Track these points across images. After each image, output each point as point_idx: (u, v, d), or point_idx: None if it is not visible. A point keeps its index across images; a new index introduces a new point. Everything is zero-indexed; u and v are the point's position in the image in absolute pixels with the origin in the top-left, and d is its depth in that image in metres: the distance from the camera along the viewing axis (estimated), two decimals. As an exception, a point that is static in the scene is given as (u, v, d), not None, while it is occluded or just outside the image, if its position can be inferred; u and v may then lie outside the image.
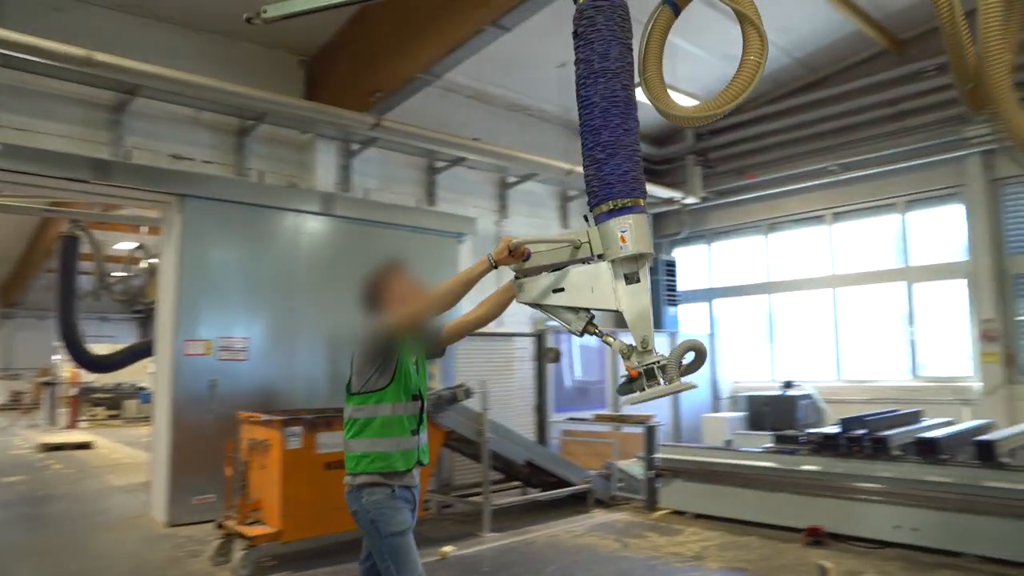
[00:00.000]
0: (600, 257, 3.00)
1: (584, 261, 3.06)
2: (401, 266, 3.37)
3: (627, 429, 8.61)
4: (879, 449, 6.35)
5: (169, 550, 6.20)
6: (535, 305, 3.09)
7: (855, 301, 10.92)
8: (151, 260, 14.47)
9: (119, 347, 15.50)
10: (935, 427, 7.21)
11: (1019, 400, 8.92)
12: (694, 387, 2.78)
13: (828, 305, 11.13)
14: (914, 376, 10.20)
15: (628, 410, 9.67)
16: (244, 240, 7.63)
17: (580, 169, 9.78)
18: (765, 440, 7.72)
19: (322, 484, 5.63)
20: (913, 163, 9.85)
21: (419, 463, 3.13)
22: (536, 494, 7.76)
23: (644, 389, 2.81)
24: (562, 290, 3.02)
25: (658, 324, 11.27)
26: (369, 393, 3.04)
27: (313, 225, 8.14)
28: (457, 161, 9.59)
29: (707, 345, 11.71)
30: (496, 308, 3.24)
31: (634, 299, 2.91)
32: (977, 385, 9.30)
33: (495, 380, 8.05)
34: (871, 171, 10.19)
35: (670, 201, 11.72)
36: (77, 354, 13.81)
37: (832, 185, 10.71)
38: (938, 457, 6.08)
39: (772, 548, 6.13)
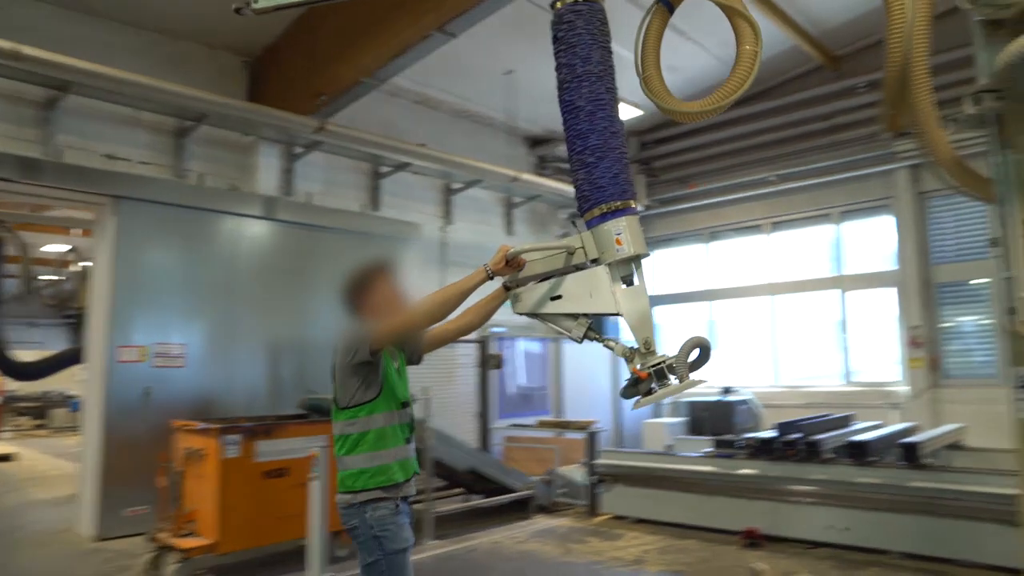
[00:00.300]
0: (595, 262, 2.98)
1: (577, 267, 3.04)
2: (387, 269, 3.23)
3: (569, 435, 8.67)
4: (812, 452, 6.53)
5: (97, 565, 5.97)
6: (533, 315, 3.05)
7: (792, 308, 11.23)
8: (83, 263, 13.96)
9: (47, 353, 14.87)
10: (865, 430, 7.46)
11: (942, 403, 9.29)
12: (704, 382, 2.78)
13: (766, 312, 11.42)
14: (847, 381, 10.53)
15: (570, 415, 9.75)
16: (182, 244, 7.43)
17: (525, 176, 9.84)
18: (704, 445, 7.86)
19: (261, 493, 5.52)
20: (847, 175, 10.20)
21: (415, 472, 3.07)
22: (478, 501, 7.74)
23: (650, 391, 2.80)
24: (559, 297, 2.99)
25: (602, 331, 11.35)
26: (359, 406, 2.94)
27: (254, 229, 7.98)
28: (402, 166, 9.53)
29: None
30: (481, 317, 3.15)
31: (634, 301, 2.90)
32: (904, 389, 9.66)
33: (438, 387, 8.01)
34: (807, 182, 10.50)
35: (614, 209, 11.85)
36: (0, 361, 13.21)
37: (770, 195, 11.00)
38: (867, 459, 6.29)
39: (710, 551, 6.24)
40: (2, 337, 13.03)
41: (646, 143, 12.18)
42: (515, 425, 9.25)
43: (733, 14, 3.42)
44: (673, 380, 2.77)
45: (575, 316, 2.98)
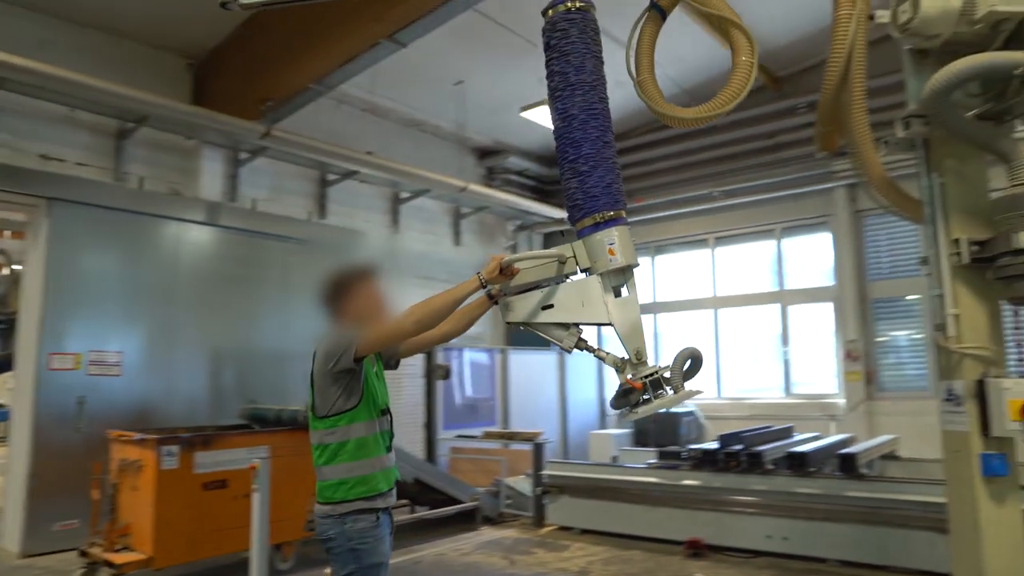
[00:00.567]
0: (587, 271, 2.96)
1: (566, 277, 3.01)
2: (370, 273, 3.11)
3: (515, 446, 8.66)
4: (754, 463, 6.66)
5: (24, 581, 5.73)
6: (523, 324, 3.01)
7: (735, 322, 11.46)
8: (14, 266, 13.42)
9: (-27, 361, 14.23)
10: (804, 442, 7.63)
11: (877, 415, 9.59)
12: (700, 393, 2.78)
13: (710, 325, 11.63)
14: (787, 393, 10.78)
15: (517, 426, 9.74)
16: (120, 248, 7.20)
17: (473, 187, 9.83)
18: (649, 456, 7.95)
19: (200, 506, 5.36)
20: (788, 192, 10.47)
21: (397, 480, 2.99)
22: (424, 512, 7.67)
23: (641, 402, 2.78)
24: (551, 307, 2.95)
25: (547, 342, 11.38)
26: (339, 415, 2.82)
27: (197, 235, 7.79)
28: (349, 174, 9.44)
29: (597, 362, 11.94)
30: (463, 324, 3.08)
31: (625, 311, 2.88)
32: (841, 401, 9.93)
33: (385, 397, 7.91)
34: (750, 199, 10.74)
35: (561, 221, 11.94)
36: (-77, 368, 12.59)
37: (714, 210, 11.22)
38: (806, 470, 6.44)
39: (654, 561, 6.29)
40: (-76, 344, 12.44)
41: (594, 157, 12.29)
42: (461, 436, 9.20)
43: (729, 25, 3.47)
44: (668, 391, 2.78)
45: (567, 326, 2.96)
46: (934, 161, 3.38)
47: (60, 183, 6.99)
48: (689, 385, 2.83)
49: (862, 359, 9.81)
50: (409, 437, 8.54)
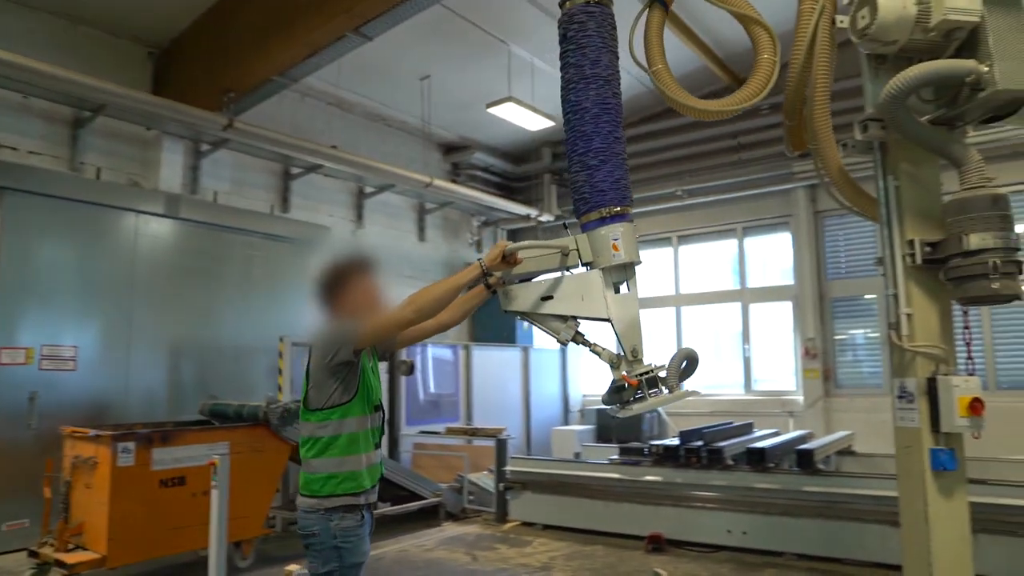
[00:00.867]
0: (588, 265, 2.94)
1: (567, 269, 2.99)
2: (367, 265, 3.02)
3: (478, 442, 8.66)
4: (714, 459, 6.75)
5: (-28, 581, 5.58)
6: (521, 314, 2.97)
7: (697, 320, 11.59)
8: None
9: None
10: (763, 438, 7.76)
11: (834, 411, 9.79)
12: (697, 394, 2.77)
13: (672, 323, 11.74)
14: (748, 390, 10.94)
15: (480, 422, 9.75)
16: (76, 240, 7.03)
17: (438, 182, 9.77)
18: (611, 452, 8.01)
19: (156, 503, 5.27)
20: (749, 192, 10.62)
21: (381, 476, 2.95)
22: (386, 508, 7.62)
23: (634, 399, 2.77)
24: (551, 298, 2.92)
25: (511, 339, 11.45)
26: (332, 408, 2.76)
27: (156, 227, 7.64)
28: (313, 168, 9.34)
29: (561, 359, 11.99)
30: (461, 314, 3.04)
31: (624, 308, 2.88)
32: (800, 398, 10.12)
33: (348, 393, 7.85)
34: (713, 198, 10.87)
35: (526, 218, 11.97)
36: None
37: (678, 209, 11.33)
38: (765, 465, 6.55)
39: (616, 556, 6.35)
40: None
41: (558, 154, 12.36)
42: (424, 432, 9.17)
43: (751, 23, 3.48)
44: (663, 390, 2.78)
45: (565, 318, 2.94)
46: (890, 164, 3.46)
47: (12, 172, 6.79)
48: (685, 385, 2.85)
49: (820, 357, 9.99)
50: (372, 433, 8.48)
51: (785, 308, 10.64)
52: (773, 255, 11.03)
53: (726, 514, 6.38)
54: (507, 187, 12.67)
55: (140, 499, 5.21)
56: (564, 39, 3.16)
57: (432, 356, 9.97)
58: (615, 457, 7.65)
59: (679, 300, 11.69)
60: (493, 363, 11.04)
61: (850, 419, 9.37)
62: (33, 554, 5.28)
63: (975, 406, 3.09)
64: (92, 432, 5.43)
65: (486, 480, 8.10)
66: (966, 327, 3.36)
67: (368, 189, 10.44)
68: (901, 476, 3.37)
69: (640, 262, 2.94)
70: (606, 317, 2.89)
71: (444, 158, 12.01)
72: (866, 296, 9.87)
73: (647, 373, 2.83)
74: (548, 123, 10.01)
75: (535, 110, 9.51)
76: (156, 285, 7.51)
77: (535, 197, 12.33)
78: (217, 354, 7.89)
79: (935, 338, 3.29)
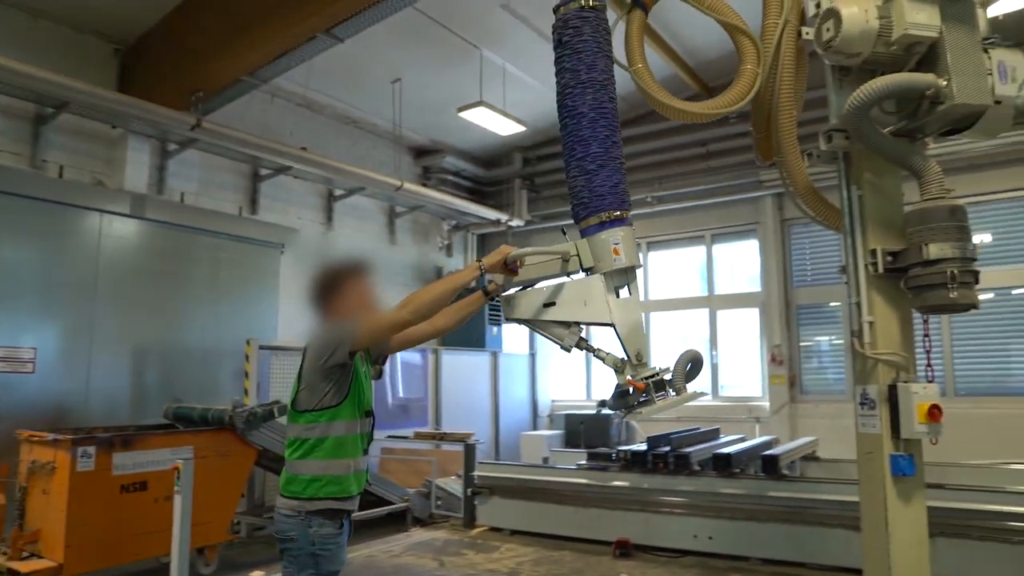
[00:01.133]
0: (589, 270, 2.92)
1: (568, 274, 2.97)
2: (362, 268, 3.00)
3: (447, 447, 8.64)
4: (681, 465, 6.81)
5: (-77, 590, 5.42)
6: (524, 321, 2.95)
7: (665, 326, 11.67)
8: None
9: None
10: (730, 444, 7.85)
11: (799, 417, 9.91)
12: (704, 395, 2.77)
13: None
14: (715, 396, 11.03)
15: (449, 427, 9.71)
16: (36, 240, 6.87)
17: (409, 186, 9.73)
18: (580, 458, 8.03)
19: (117, 509, 5.17)
20: (718, 200, 10.73)
21: (367, 482, 2.90)
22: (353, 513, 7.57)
23: (640, 403, 2.75)
24: (553, 305, 2.90)
25: (481, 343, 11.43)
26: (322, 410, 2.73)
27: (120, 228, 7.51)
28: (282, 170, 9.24)
29: (530, 364, 11.99)
30: (456, 320, 3.01)
31: (627, 312, 2.87)
32: (766, 404, 10.23)
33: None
34: (682, 205, 10.96)
35: (496, 223, 11.97)
36: None
37: (647, 215, 11.40)
38: (731, 471, 6.62)
39: (583, 561, 6.36)
40: None
41: (528, 159, 12.40)
42: (392, 436, 9.12)
43: (736, 32, 3.51)
44: (670, 392, 2.79)
45: (568, 324, 2.93)
46: (853, 174, 3.52)
47: (-29, 170, 6.65)
48: (691, 387, 2.86)
49: (786, 363, 10.12)
50: (339, 438, 8.40)
51: (752, 315, 10.76)
52: (741, 262, 11.15)
53: (693, 519, 6.43)
54: (478, 191, 12.67)
55: (100, 505, 5.11)
56: (559, 44, 3.17)
57: (401, 360, 9.92)
58: (583, 462, 7.67)
59: (648, 306, 11.75)
60: (462, 367, 11.02)
61: (815, 425, 9.50)
62: (-14, 562, 5.15)
63: (933, 413, 3.15)
64: (51, 436, 5.32)
65: (454, 485, 8.07)
66: (926, 335, 3.42)
67: (338, 192, 10.36)
68: (862, 481, 3.42)
69: (640, 265, 2.94)
70: (609, 322, 2.89)
71: (415, 162, 11.98)
72: (831, 304, 10.02)
73: (653, 376, 2.84)
74: (519, 128, 10.03)
75: (507, 115, 9.52)
76: (120, 286, 7.37)
77: (506, 202, 12.34)
78: (182, 357, 7.77)
79: (896, 346, 3.35)
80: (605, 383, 11.69)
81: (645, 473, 6.90)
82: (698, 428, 8.49)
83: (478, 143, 11.78)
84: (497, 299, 3.00)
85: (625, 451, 7.28)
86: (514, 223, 12.07)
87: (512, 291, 3.03)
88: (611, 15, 3.98)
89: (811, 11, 3.46)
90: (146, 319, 7.54)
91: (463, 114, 9.46)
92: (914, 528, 3.28)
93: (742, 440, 8.29)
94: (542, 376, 12.63)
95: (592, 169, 3.01)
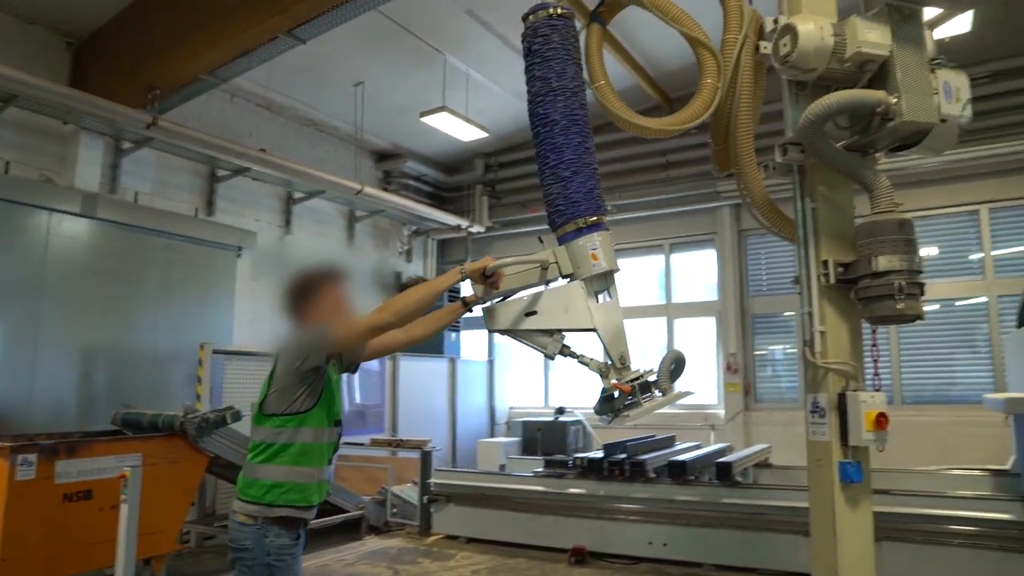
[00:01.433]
0: (568, 277, 2.90)
1: (547, 282, 2.95)
2: (337, 274, 2.97)
3: (403, 454, 8.58)
4: (637, 472, 6.85)
5: None
6: (506, 332, 2.93)
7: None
8: None
9: None
10: (685, 451, 7.93)
11: (753, 425, 10.07)
12: (692, 393, 2.78)
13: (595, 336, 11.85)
14: (672, 404, 11.12)
15: (406, 434, 9.64)
16: (-21, 238, 6.67)
17: (369, 190, 9.68)
18: (537, 465, 8.04)
19: (59, 519, 4.97)
20: (677, 209, 10.87)
21: (328, 493, 2.84)
22: (307, 522, 7.47)
23: (627, 405, 2.74)
24: (535, 313, 2.88)
25: (439, 349, 11.38)
26: (291, 416, 2.66)
27: (70, 227, 7.30)
28: (241, 171, 9.09)
29: (488, 371, 11.98)
30: (433, 330, 2.99)
31: (608, 317, 2.86)
32: (721, 412, 10.37)
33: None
34: (642, 214, 11.07)
35: (457, 228, 11.95)
36: None
37: (607, 224, 11.49)
38: (686, 478, 6.69)
39: (539, 569, 6.36)
40: None
41: (490, 165, 12.41)
42: (348, 443, 9.01)
43: (698, 46, 3.55)
44: (657, 393, 2.79)
45: (550, 332, 2.92)
46: (807, 187, 3.59)
47: (-88, 164, 6.41)
48: (677, 387, 2.89)
49: (741, 371, 10.27)
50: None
51: (709, 323, 10.91)
52: (698, 271, 11.30)
53: (648, 526, 6.48)
54: (439, 197, 12.64)
55: (40, 515, 4.91)
56: (529, 52, 3.18)
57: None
58: (540, 470, 7.68)
59: (607, 314, 11.84)
60: (420, 374, 10.96)
61: (768, 432, 9.66)
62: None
63: (880, 421, 3.23)
64: (-11, 442, 5.13)
65: (410, 492, 8.01)
66: (874, 345, 3.50)
67: (297, 194, 10.24)
68: (812, 488, 3.49)
69: (619, 269, 2.97)
70: (591, 327, 2.90)
71: (376, 166, 11.90)
72: (785, 313, 10.21)
73: (638, 378, 2.86)
74: (481, 134, 10.04)
75: (469, 121, 9.52)
76: (69, 287, 7.16)
77: (467, 208, 12.33)
78: (133, 361, 7.58)
79: (846, 355, 3.42)
80: (563, 390, 11.79)
81: (601, 480, 6.93)
82: (654, 436, 8.56)
83: (440, 148, 11.76)
84: (469, 311, 3.01)
85: (581, 458, 7.31)
86: (475, 229, 12.07)
87: (492, 302, 3.03)
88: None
89: (769, 26, 3.53)
90: (96, 321, 7.35)
91: (425, 119, 9.43)
92: (861, 533, 3.35)
93: (697, 447, 8.39)
94: (500, 383, 12.63)
95: (567, 176, 3.04)
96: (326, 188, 9.85)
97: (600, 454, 7.33)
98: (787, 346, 10.31)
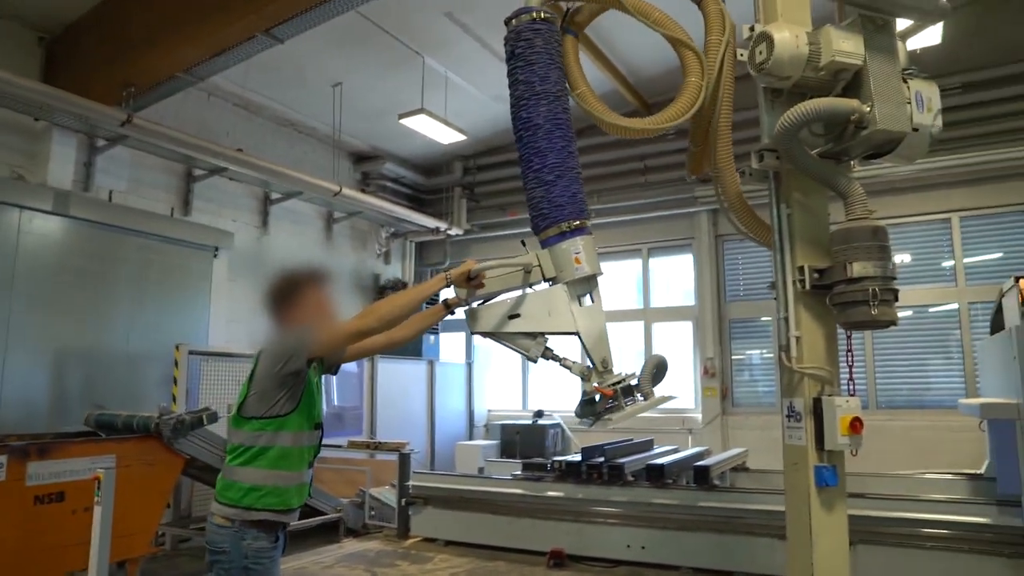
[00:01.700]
0: (551, 280, 2.90)
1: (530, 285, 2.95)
2: (320, 277, 2.96)
3: (381, 456, 8.53)
4: (615, 475, 6.87)
5: None
6: (489, 334, 2.92)
7: (601, 336, 11.78)
8: None
9: None
10: (663, 454, 7.97)
11: (731, 429, 10.15)
12: (675, 398, 2.78)
13: (576, 341, 11.87)
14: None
15: (384, 436, 9.60)
16: (-52, 236, 6.54)
17: (348, 192, 9.64)
18: (515, 468, 8.04)
19: (30, 522, 4.91)
20: (655, 214, 10.93)
21: (309, 496, 2.82)
22: (284, 525, 7.40)
23: (609, 409, 2.74)
24: (518, 316, 2.87)
25: (418, 352, 11.35)
26: (270, 419, 2.63)
27: (42, 225, 7.18)
28: (217, 171, 9.01)
29: (466, 374, 11.96)
30: (415, 331, 2.98)
31: (591, 320, 2.86)
32: (698, 416, 10.44)
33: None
34: (620, 218, 11.10)
35: (435, 231, 11.93)
36: None
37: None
38: (664, 482, 6.72)
39: (518, 572, 6.36)
40: None
41: (468, 168, 12.41)
42: (326, 445, 8.94)
43: (680, 46, 3.56)
44: (639, 397, 2.79)
45: (533, 335, 2.92)
46: (783, 193, 3.63)
47: None
48: (658, 391, 2.89)
49: (718, 376, 10.35)
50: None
51: (686, 328, 10.98)
52: (676, 276, 11.36)
53: (626, 529, 6.50)
54: (417, 199, 12.61)
55: (10, 518, 4.84)
56: (512, 56, 3.18)
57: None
58: (518, 473, 7.68)
59: (585, 317, 11.87)
60: (398, 376, 10.92)
61: (745, 436, 9.73)
62: None
63: (855, 425, 3.26)
64: (-42, 444, 5.04)
65: (388, 495, 7.97)
66: (849, 350, 3.54)
67: (274, 195, 10.17)
68: (788, 492, 3.52)
69: (602, 273, 2.98)
70: (574, 331, 2.91)
71: (354, 167, 11.86)
72: (762, 318, 10.30)
73: (620, 382, 2.86)
74: (460, 136, 10.03)
75: (448, 123, 9.51)
76: (41, 287, 7.05)
77: (445, 210, 12.32)
78: (107, 362, 7.48)
79: (821, 360, 3.46)
80: (541, 393, 11.80)
81: (579, 483, 6.94)
82: (632, 439, 8.59)
83: (419, 151, 11.74)
84: (451, 314, 3.02)
85: (560, 462, 7.31)
86: (453, 232, 12.05)
87: (475, 304, 3.04)
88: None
89: (745, 34, 3.57)
90: (68, 322, 7.24)
91: (404, 121, 9.41)
92: (836, 536, 3.38)
93: (675, 451, 8.43)
94: (479, 386, 12.61)
95: (550, 180, 3.05)
96: (304, 189, 9.79)
97: (578, 457, 7.35)
98: (764, 351, 10.40)
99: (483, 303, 3.07)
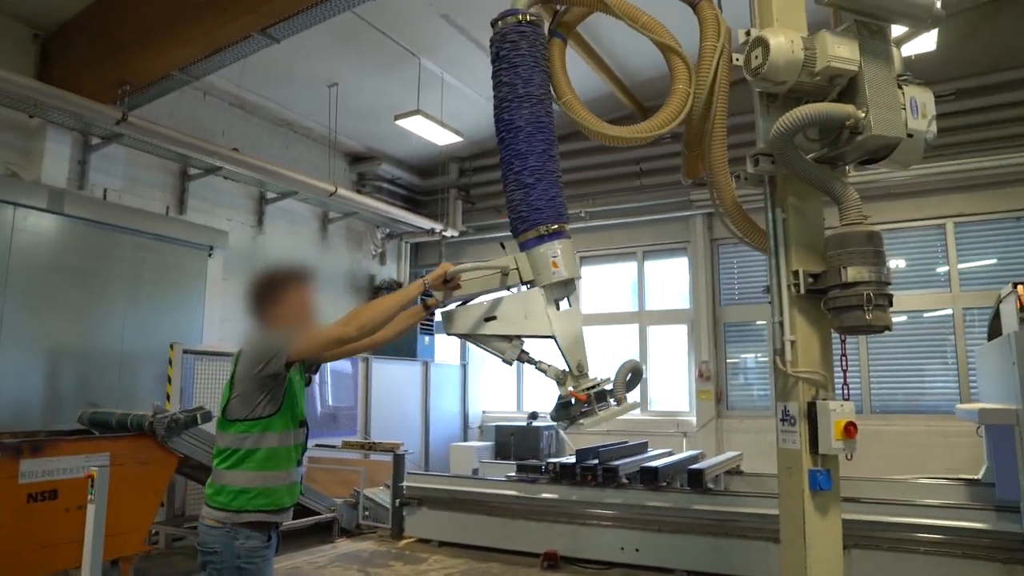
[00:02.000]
0: (529, 284, 2.91)
1: (508, 288, 2.95)
2: (303, 276, 2.96)
3: (375, 457, 8.52)
4: (609, 478, 6.88)
5: None
6: (465, 336, 2.92)
7: (595, 340, 11.79)
8: None
9: None
10: (657, 457, 7.97)
11: (725, 432, 10.17)
12: (638, 406, 2.78)
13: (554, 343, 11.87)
14: (644, 410, 11.21)
15: (379, 437, 9.59)
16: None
17: (343, 192, 9.64)
18: (510, 469, 8.04)
19: (23, 520, 4.90)
20: (650, 217, 10.95)
21: (301, 494, 2.82)
22: (277, 525, 7.38)
23: (582, 413, 2.74)
24: (494, 318, 2.88)
25: (412, 352, 11.35)
26: (254, 421, 2.63)
27: (36, 223, 7.16)
28: (213, 170, 8.99)
29: (461, 375, 11.95)
30: (394, 333, 2.98)
31: (567, 324, 2.86)
32: (693, 419, 10.45)
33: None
34: (615, 221, 11.14)
35: (431, 232, 11.93)
36: None
37: (580, 231, 11.52)
38: (658, 484, 6.73)
39: (512, 573, 6.36)
40: None
41: (464, 170, 12.42)
42: (320, 445, 8.95)
43: (668, 52, 3.55)
44: (611, 402, 2.80)
45: (509, 338, 2.92)
46: (778, 197, 3.63)
47: None
48: (631, 397, 2.89)
49: (713, 379, 10.36)
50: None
51: (681, 331, 10.99)
52: (671, 279, 11.38)
53: (620, 531, 6.51)
54: (413, 200, 12.61)
55: (3, 516, 4.83)
56: (497, 58, 3.18)
57: (331, 368, 9.76)
58: (512, 474, 7.68)
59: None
60: (393, 377, 10.91)
61: (739, 440, 9.75)
62: None
63: (849, 429, 3.27)
64: (-50, 442, 5.02)
65: (382, 495, 7.97)
66: (843, 355, 3.55)
67: (270, 195, 10.16)
68: (782, 495, 3.52)
69: (580, 277, 2.98)
70: (550, 334, 2.91)
71: (350, 167, 11.85)
72: (757, 322, 10.31)
73: (594, 387, 2.87)
74: (456, 138, 10.04)
75: (443, 124, 9.51)
76: (35, 285, 7.03)
77: (440, 212, 12.32)
78: (101, 360, 7.46)
79: (816, 364, 3.47)
80: (536, 395, 11.80)
81: (574, 485, 6.95)
82: (626, 442, 8.60)
83: (414, 152, 11.74)
84: (431, 315, 3.01)
85: (554, 463, 7.31)
86: (448, 233, 12.05)
87: (452, 306, 3.04)
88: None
89: (740, 38, 3.57)
90: (63, 320, 7.22)
91: (400, 122, 9.41)
92: (830, 540, 3.39)
93: (669, 454, 8.44)
94: (473, 387, 12.61)
95: (530, 183, 3.04)
96: (299, 189, 9.78)
97: (573, 459, 7.35)
98: (759, 354, 10.42)
99: (461, 305, 3.08)
